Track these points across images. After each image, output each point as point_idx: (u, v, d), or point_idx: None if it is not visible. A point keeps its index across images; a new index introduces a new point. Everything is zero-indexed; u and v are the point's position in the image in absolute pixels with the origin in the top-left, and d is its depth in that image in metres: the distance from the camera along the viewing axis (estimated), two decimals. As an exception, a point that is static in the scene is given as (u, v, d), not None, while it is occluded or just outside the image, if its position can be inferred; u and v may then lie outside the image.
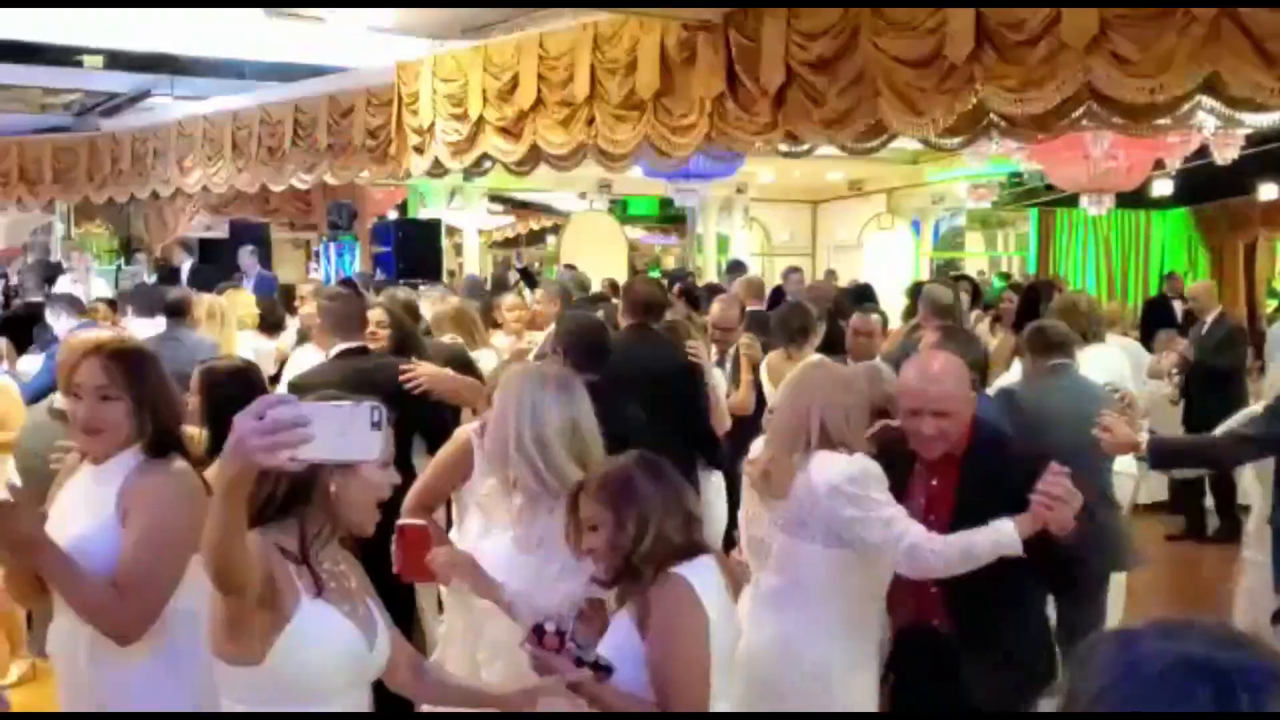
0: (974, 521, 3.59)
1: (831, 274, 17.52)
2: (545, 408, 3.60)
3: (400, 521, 3.73)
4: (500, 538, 3.78)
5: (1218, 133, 10.85)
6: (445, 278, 15.16)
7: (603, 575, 3.18)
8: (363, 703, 2.86)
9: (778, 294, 12.03)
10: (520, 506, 3.66)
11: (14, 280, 14.64)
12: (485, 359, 6.74)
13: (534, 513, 3.61)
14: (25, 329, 9.00)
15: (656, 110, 8.73)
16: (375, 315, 6.10)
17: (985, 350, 6.39)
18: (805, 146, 8.66)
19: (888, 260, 18.86)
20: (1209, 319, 10.25)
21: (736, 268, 14.75)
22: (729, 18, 8.09)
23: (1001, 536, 3.51)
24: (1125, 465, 6.45)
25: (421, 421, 5.33)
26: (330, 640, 2.70)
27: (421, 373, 5.30)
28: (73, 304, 8.87)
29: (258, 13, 10.83)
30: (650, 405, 5.21)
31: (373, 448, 2.37)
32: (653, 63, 8.61)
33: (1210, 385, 9.45)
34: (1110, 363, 6.86)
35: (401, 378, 5.22)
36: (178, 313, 8.15)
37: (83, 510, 3.27)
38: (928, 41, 7.07)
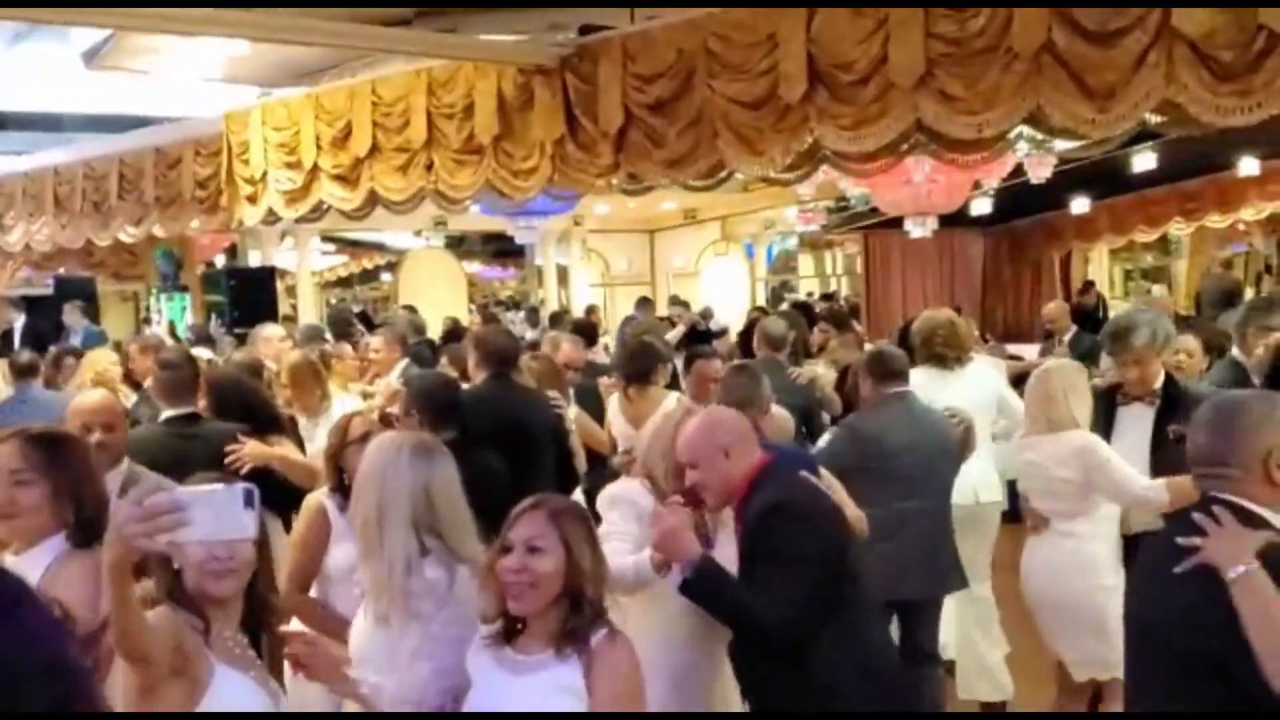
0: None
1: (675, 298, 17.75)
2: (395, 475, 3.45)
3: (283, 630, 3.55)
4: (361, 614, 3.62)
5: (1031, 155, 11.36)
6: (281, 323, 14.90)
7: (526, 608, 3.03)
8: None
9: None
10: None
11: None
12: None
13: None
14: None
15: (497, 154, 8.72)
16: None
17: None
18: (646, 184, 8.78)
19: (724, 284, 19.18)
20: (1067, 337, 11.10)
21: (644, 304, 15.01)
22: (565, 61, 8.15)
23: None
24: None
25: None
26: (245, 704, 2.81)
27: (246, 453, 5.20)
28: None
29: (76, 64, 10.57)
30: (516, 456, 5.25)
31: (247, 526, 2.55)
32: (490, 107, 8.61)
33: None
34: (985, 381, 7.06)
35: (227, 457, 5.13)
36: (29, 373, 7.99)
37: None
38: (761, 83, 7.24)
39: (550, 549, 2.99)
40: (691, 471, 3.91)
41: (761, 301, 19.23)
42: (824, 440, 6.23)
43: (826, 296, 19.15)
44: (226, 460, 5.06)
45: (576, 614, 2.99)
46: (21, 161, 13.54)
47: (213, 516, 2.44)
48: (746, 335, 9.64)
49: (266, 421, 5.75)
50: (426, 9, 9.73)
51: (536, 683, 2.96)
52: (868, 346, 8.13)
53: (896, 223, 13.81)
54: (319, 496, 4.27)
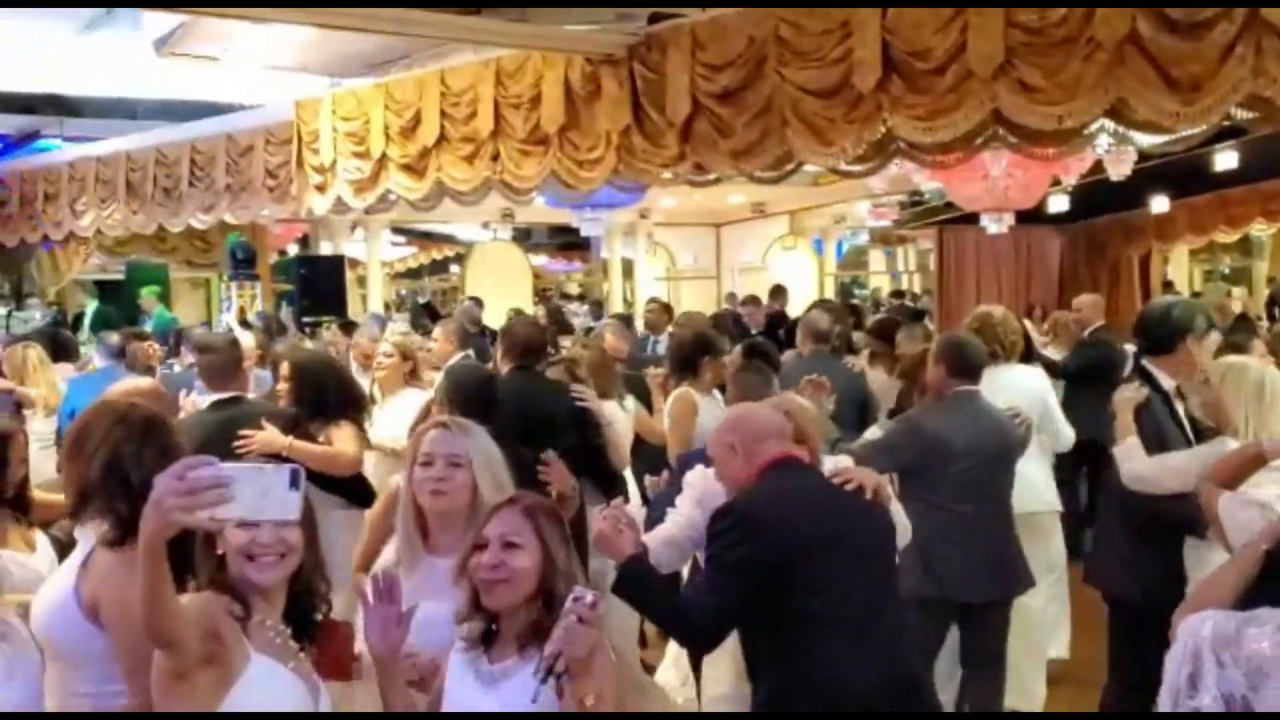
0: None
1: (732, 296, 17.62)
2: None
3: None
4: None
5: (1111, 151, 11.09)
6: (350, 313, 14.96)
7: (500, 603, 2.95)
8: None
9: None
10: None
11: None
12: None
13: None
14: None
15: (562, 144, 8.65)
16: (284, 370, 6.04)
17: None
18: (712, 176, 8.66)
19: (792, 280, 18.97)
20: (1086, 332, 10.64)
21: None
22: (632, 51, 8.04)
23: None
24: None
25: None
26: (278, 695, 2.73)
27: (255, 440, 5.29)
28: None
29: (149, 51, 10.61)
30: (537, 447, 5.13)
31: (291, 508, 2.47)
32: (557, 97, 8.54)
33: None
34: (1031, 381, 6.88)
35: (237, 442, 5.21)
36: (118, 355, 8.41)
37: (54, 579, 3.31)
38: (834, 71, 7.07)
39: (526, 545, 2.96)
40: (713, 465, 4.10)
41: (829, 298, 19.03)
42: (873, 432, 6.06)
43: (897, 294, 18.87)
44: (234, 446, 5.11)
45: (548, 613, 2.91)
46: (94, 147, 13.66)
47: (256, 495, 2.36)
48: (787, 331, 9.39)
49: (340, 406, 5.80)
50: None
51: (501, 696, 2.90)
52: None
53: (972, 218, 13.59)
54: (397, 480, 4.22)
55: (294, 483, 2.43)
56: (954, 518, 5.38)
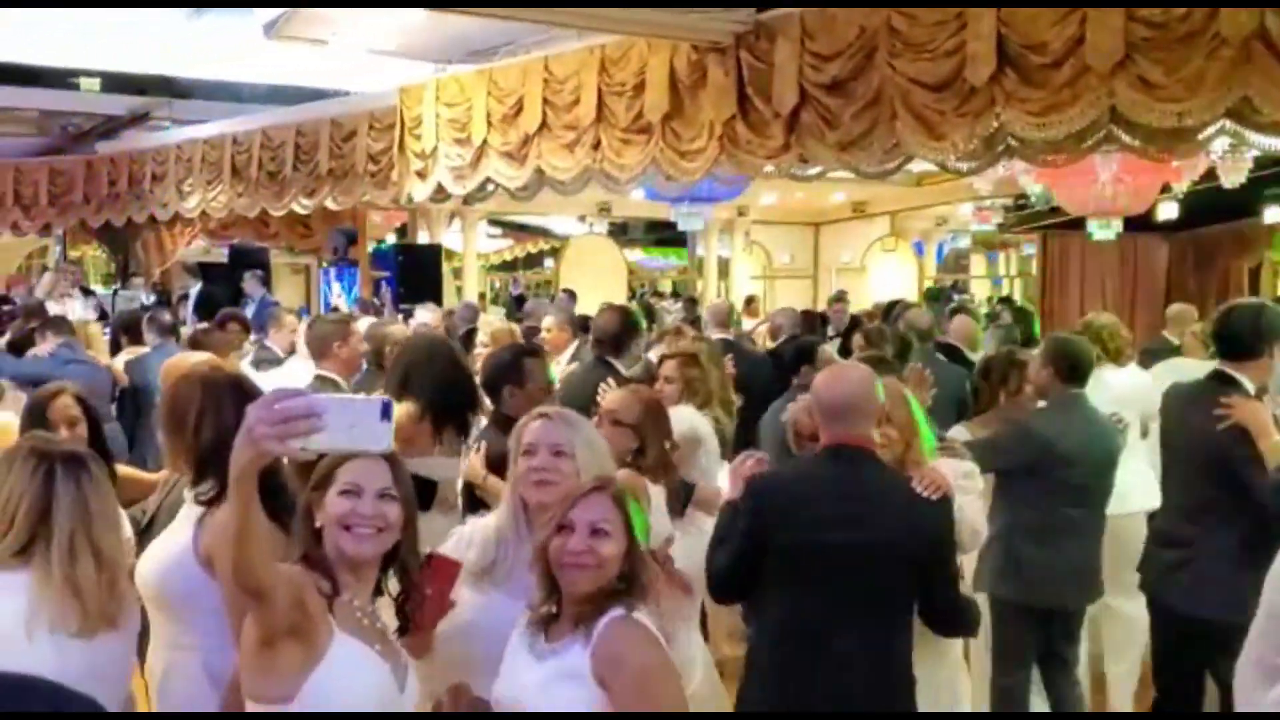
0: None
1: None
2: None
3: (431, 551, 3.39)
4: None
5: (1225, 156, 10.78)
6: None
7: (584, 588, 2.87)
8: None
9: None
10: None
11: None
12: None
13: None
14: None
15: (665, 133, 8.59)
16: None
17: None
18: (816, 170, 8.54)
19: (891, 283, 18.72)
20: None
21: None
22: (740, 39, 7.96)
23: None
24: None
25: None
26: (362, 679, 2.67)
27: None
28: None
29: (257, 35, 10.72)
30: None
31: (382, 439, 2.37)
32: (661, 85, 8.48)
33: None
34: (1138, 384, 6.70)
35: None
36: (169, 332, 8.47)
37: (170, 537, 3.35)
38: (947, 63, 6.94)
39: (614, 532, 2.88)
40: None
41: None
42: (958, 432, 5.88)
43: (1004, 300, 18.48)
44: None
45: (616, 596, 2.87)
46: (201, 129, 13.88)
47: (348, 424, 2.28)
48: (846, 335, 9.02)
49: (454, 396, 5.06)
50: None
51: (545, 670, 2.84)
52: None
53: (1078, 224, 13.32)
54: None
55: (385, 414, 2.35)
56: (1054, 522, 5.27)
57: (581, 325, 8.87)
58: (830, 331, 12.04)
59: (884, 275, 19.54)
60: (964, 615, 3.90)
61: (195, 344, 8.05)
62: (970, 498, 4.35)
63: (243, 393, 3.39)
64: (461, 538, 3.43)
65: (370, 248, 17.54)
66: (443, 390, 4.83)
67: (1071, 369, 5.51)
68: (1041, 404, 5.63)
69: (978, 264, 22.02)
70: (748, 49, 7.94)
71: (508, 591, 3.22)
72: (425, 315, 10.44)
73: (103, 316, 13.53)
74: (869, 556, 3.63)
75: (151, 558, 3.33)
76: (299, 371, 6.33)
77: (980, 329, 9.51)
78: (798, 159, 7.95)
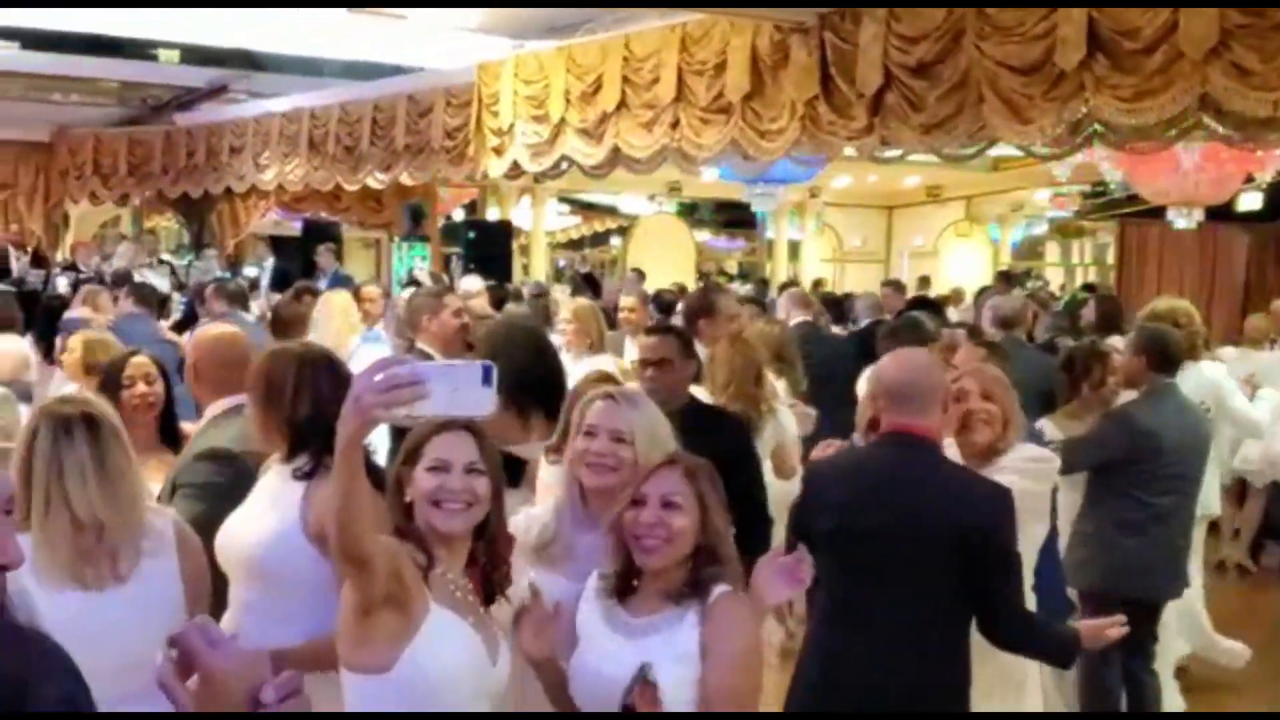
0: None
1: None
2: None
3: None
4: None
5: (1314, 145, 10.56)
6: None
7: (658, 562, 2.88)
8: None
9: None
10: None
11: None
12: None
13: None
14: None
15: (745, 113, 8.56)
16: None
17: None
18: (896, 152, 8.46)
19: (964, 268, 18.53)
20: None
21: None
22: (824, 19, 7.90)
23: None
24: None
25: None
26: (456, 650, 2.70)
27: None
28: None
29: (339, 9, 10.76)
30: None
31: (485, 403, 2.41)
32: (743, 65, 8.44)
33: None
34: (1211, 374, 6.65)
35: None
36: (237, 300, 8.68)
37: (271, 510, 3.34)
38: (1036, 47, 6.85)
39: (686, 505, 2.89)
40: None
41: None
42: (1051, 428, 5.82)
43: (1088, 288, 18.14)
44: None
45: (698, 572, 2.88)
46: (279, 102, 13.98)
47: (450, 390, 2.33)
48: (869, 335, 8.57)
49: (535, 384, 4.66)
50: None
51: (650, 648, 2.83)
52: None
53: (1157, 212, 13.14)
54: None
55: (487, 379, 2.38)
56: (1149, 512, 5.24)
57: (659, 304, 8.85)
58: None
59: (957, 260, 19.36)
60: (1027, 626, 3.64)
61: (277, 317, 8.14)
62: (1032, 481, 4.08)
63: (334, 368, 3.46)
64: (530, 518, 3.40)
65: (440, 222, 17.64)
66: (522, 378, 4.51)
67: (1164, 358, 5.48)
68: (1131, 394, 5.57)
69: (1052, 251, 21.74)
70: (832, 29, 7.88)
71: (564, 573, 3.22)
72: (470, 283, 10.51)
73: (179, 287, 13.73)
74: (913, 545, 3.49)
75: (247, 530, 3.34)
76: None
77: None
78: (880, 141, 7.88)
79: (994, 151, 10.18)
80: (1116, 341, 6.77)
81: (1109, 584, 5.24)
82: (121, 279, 10.51)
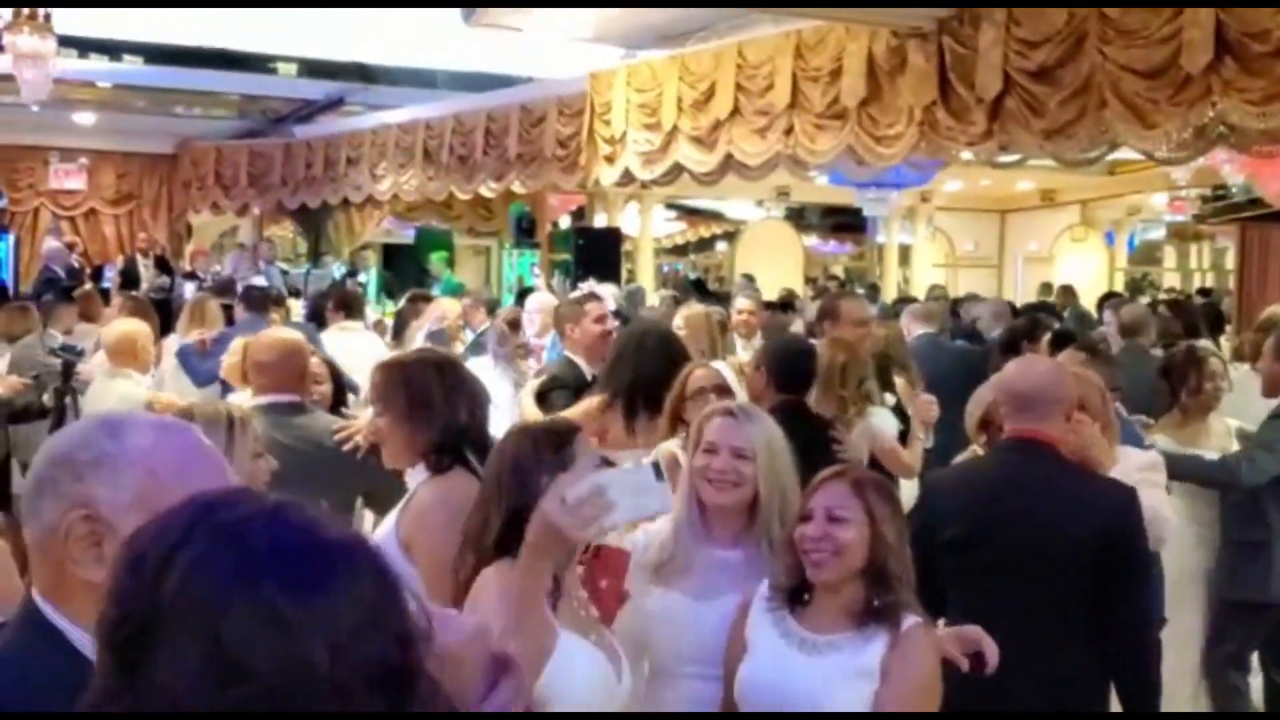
0: None
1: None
2: None
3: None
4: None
5: None
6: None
7: (827, 576, 2.85)
8: None
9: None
10: None
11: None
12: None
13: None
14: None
15: (861, 119, 8.53)
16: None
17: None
18: (1015, 157, 8.37)
19: (1080, 273, 18.17)
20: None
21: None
22: (943, 24, 7.84)
23: None
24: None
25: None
26: (585, 672, 2.66)
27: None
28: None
29: (454, 22, 10.93)
30: None
31: (665, 500, 2.56)
32: (859, 71, 8.42)
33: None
34: None
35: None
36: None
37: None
38: (1161, 50, 6.73)
39: (853, 519, 2.85)
40: None
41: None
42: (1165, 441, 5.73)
43: (1203, 292, 17.76)
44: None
45: (882, 591, 2.83)
46: (395, 114, 14.23)
47: (632, 494, 2.43)
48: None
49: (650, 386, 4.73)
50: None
51: (830, 666, 2.81)
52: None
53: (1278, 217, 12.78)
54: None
55: (659, 475, 2.48)
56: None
57: (780, 305, 8.83)
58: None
59: (1072, 265, 18.98)
60: (1147, 642, 3.61)
61: (400, 324, 8.31)
62: (1151, 490, 4.11)
63: (460, 371, 3.54)
64: (649, 535, 3.36)
65: (548, 228, 17.79)
66: (636, 378, 4.72)
67: None
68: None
69: (1169, 256, 21.26)
70: (950, 34, 7.83)
71: (682, 589, 3.19)
72: (604, 291, 10.53)
73: (294, 294, 14.02)
74: (1045, 548, 3.47)
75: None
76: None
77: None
78: (999, 146, 7.81)
79: (1111, 155, 10.02)
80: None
81: (1262, 593, 5.21)
82: (225, 287, 10.72)
